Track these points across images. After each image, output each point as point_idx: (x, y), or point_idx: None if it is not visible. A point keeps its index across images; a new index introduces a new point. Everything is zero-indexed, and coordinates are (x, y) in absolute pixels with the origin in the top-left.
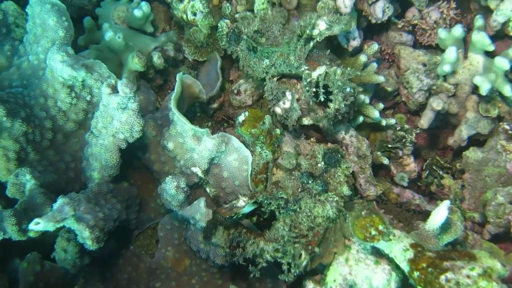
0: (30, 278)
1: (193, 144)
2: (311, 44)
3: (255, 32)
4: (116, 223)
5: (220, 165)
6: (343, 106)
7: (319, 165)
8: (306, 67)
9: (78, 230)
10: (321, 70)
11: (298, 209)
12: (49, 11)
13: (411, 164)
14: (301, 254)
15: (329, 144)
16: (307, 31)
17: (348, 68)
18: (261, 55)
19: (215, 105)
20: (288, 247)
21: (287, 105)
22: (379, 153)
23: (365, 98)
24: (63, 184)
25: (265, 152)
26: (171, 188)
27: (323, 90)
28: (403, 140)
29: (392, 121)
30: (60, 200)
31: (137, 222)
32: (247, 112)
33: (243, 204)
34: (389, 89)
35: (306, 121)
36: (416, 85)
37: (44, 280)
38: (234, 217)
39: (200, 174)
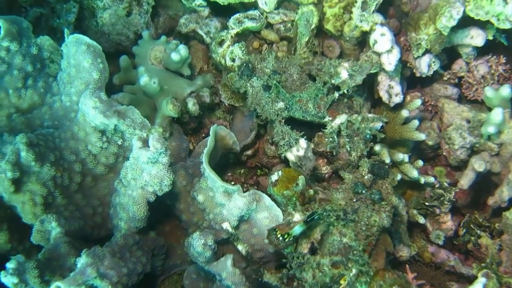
0: None
1: (223, 200)
2: (336, 95)
3: (273, 71)
4: (140, 277)
5: (250, 221)
6: (365, 153)
7: (365, 177)
8: (329, 117)
9: (101, 287)
10: (342, 118)
11: (356, 219)
12: (84, 52)
13: (448, 222)
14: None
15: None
16: (329, 79)
17: (370, 115)
18: (276, 97)
19: (249, 152)
20: (355, 257)
21: (301, 153)
22: (415, 211)
23: (404, 157)
24: (89, 230)
25: (297, 213)
26: (198, 245)
27: (347, 140)
28: (441, 199)
29: (431, 179)
30: (83, 260)
31: (163, 268)
32: (280, 171)
33: (299, 218)
34: (430, 143)
35: (325, 170)
36: (458, 142)
37: None
38: (286, 239)
39: (230, 230)
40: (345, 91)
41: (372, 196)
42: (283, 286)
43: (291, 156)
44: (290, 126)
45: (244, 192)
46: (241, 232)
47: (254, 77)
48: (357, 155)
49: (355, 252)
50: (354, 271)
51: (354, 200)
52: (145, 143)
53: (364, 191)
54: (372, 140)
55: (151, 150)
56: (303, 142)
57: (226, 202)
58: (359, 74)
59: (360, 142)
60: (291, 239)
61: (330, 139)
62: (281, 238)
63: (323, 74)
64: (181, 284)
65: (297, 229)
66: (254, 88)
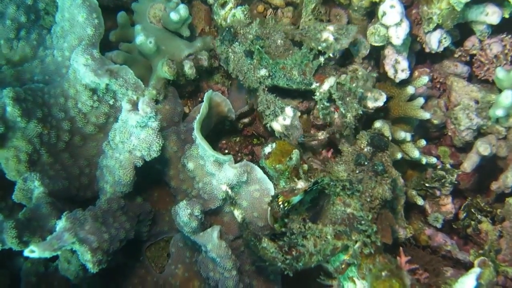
0: (32, 279)
1: (213, 170)
2: (322, 60)
3: (256, 37)
4: (122, 243)
5: (240, 193)
6: (360, 112)
7: (365, 150)
8: (316, 83)
9: (80, 252)
10: (330, 81)
11: (362, 189)
12: (79, 6)
13: (448, 205)
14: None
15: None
16: (314, 44)
17: (359, 73)
18: (258, 63)
19: (245, 120)
20: (363, 226)
21: (287, 122)
22: (414, 192)
23: (406, 135)
24: (74, 191)
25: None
26: (185, 215)
27: (340, 102)
28: (443, 180)
29: (433, 160)
30: (61, 224)
31: (149, 234)
32: (274, 143)
33: (303, 186)
34: (436, 122)
35: (322, 135)
36: (465, 123)
37: (46, 282)
38: (286, 207)
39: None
40: (331, 55)
41: (375, 167)
42: (281, 255)
43: (276, 125)
44: (275, 95)
45: (236, 162)
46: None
47: (236, 43)
48: (353, 116)
49: (362, 222)
50: (358, 244)
51: (357, 172)
52: (135, 105)
53: (366, 163)
54: (374, 115)
55: (141, 113)
56: (289, 110)
57: (216, 171)
58: (345, 37)
59: (353, 102)
60: (289, 207)
61: (322, 105)
62: (281, 206)
63: (308, 39)
64: (167, 251)
65: (296, 198)
66: (236, 54)
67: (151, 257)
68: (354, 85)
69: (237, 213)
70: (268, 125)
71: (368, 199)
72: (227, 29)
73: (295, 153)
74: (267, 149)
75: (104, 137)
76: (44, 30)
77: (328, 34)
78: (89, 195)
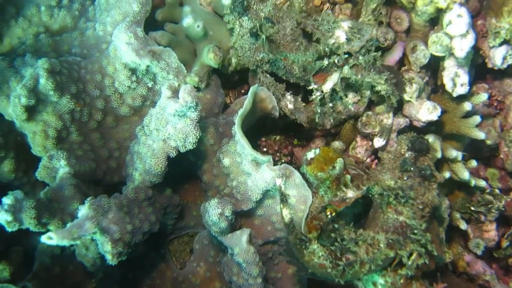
0: (46, 260)
1: (250, 169)
2: (325, 62)
3: (266, 18)
4: (146, 236)
5: (275, 197)
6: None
7: (406, 155)
8: (315, 85)
9: (100, 242)
10: (334, 78)
11: (413, 196)
12: None
13: (492, 232)
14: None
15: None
16: (322, 49)
17: (360, 58)
18: (262, 46)
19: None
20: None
21: (291, 106)
22: (458, 215)
23: (457, 154)
24: (101, 174)
25: (328, 197)
26: (214, 214)
27: (345, 97)
28: (489, 206)
29: (482, 183)
30: (84, 212)
31: (174, 228)
32: (318, 149)
33: (354, 195)
34: (489, 142)
35: (329, 124)
36: None
37: (61, 265)
38: (329, 216)
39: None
40: (336, 61)
41: (423, 172)
42: (329, 261)
43: (287, 107)
44: (273, 79)
45: (274, 162)
46: (263, 207)
47: (245, 17)
48: (383, 88)
49: (415, 231)
50: (414, 255)
51: (405, 178)
52: (176, 93)
53: (412, 168)
54: (425, 128)
55: (180, 102)
56: (289, 96)
57: (253, 172)
58: (357, 40)
59: (380, 77)
60: (334, 215)
61: (318, 108)
62: (329, 215)
63: (320, 33)
64: (190, 246)
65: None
66: (242, 29)
67: (173, 251)
68: (359, 76)
69: (286, 213)
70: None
71: (420, 207)
72: (239, 0)
73: (339, 162)
74: (310, 155)
75: (139, 120)
76: (87, 1)
77: (340, 32)
78: (116, 180)
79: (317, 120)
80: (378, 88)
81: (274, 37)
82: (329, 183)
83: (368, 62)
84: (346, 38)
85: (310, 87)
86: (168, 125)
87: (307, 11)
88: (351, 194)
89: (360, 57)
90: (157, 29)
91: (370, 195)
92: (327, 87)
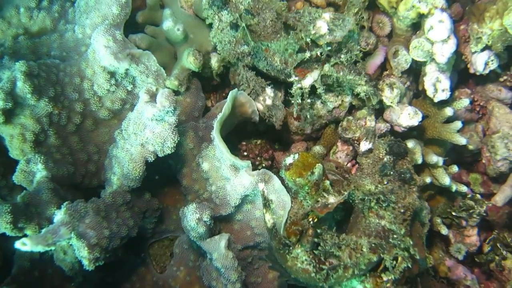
0: (25, 264)
1: (229, 174)
2: (307, 55)
3: (246, 10)
4: (124, 241)
5: (254, 202)
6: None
7: (385, 159)
8: (296, 77)
9: (77, 247)
10: (314, 75)
11: (394, 200)
12: None
13: (473, 237)
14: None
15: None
16: (305, 32)
17: (342, 56)
18: (242, 38)
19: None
20: (395, 241)
21: (269, 102)
22: (439, 220)
23: (438, 160)
24: (79, 178)
25: (307, 203)
26: (192, 219)
27: (324, 94)
28: (471, 211)
29: (464, 188)
30: (59, 217)
31: (154, 232)
32: (297, 154)
33: (336, 200)
34: (471, 147)
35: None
36: (502, 153)
37: (40, 269)
38: (311, 222)
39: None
40: (319, 53)
41: (403, 175)
42: (313, 265)
43: (258, 105)
44: (254, 73)
45: (254, 166)
46: (242, 212)
47: (225, 10)
48: (364, 88)
49: (395, 236)
50: (399, 259)
51: (385, 183)
52: (154, 97)
53: (392, 172)
54: (406, 133)
55: (158, 106)
56: (269, 91)
57: (231, 176)
58: (339, 29)
59: (361, 79)
60: (316, 221)
61: (297, 101)
62: (311, 221)
63: (301, 24)
64: (170, 250)
65: None
66: (221, 23)
67: (153, 255)
68: (341, 74)
69: (268, 217)
70: None
71: (402, 210)
72: None
73: (318, 168)
74: (289, 160)
75: (118, 123)
76: (67, 2)
77: (322, 23)
78: (95, 184)
79: (295, 113)
80: (358, 89)
81: (254, 28)
82: (308, 189)
83: (350, 60)
84: (328, 29)
85: (291, 79)
86: (146, 130)
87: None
88: (332, 199)
89: (342, 56)
90: (138, 32)
91: (351, 200)
92: (306, 82)
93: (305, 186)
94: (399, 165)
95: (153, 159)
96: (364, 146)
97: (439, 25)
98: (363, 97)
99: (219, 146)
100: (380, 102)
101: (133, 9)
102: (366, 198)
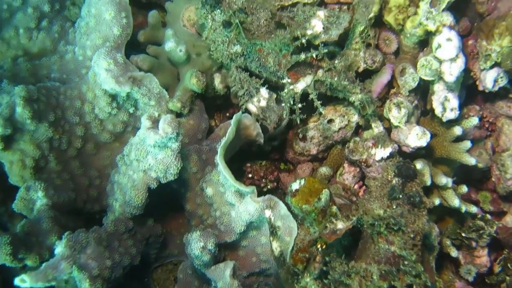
0: None
1: (233, 200)
2: (302, 57)
3: (239, 9)
4: (126, 270)
5: (259, 228)
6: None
7: (393, 181)
8: (288, 79)
9: (78, 279)
10: (307, 80)
11: (404, 225)
12: (107, 3)
13: (483, 258)
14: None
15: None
16: (300, 34)
17: (336, 61)
18: (235, 38)
19: (275, 143)
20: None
21: (263, 103)
22: (448, 241)
23: (447, 181)
24: (81, 204)
25: (314, 229)
26: (197, 248)
27: (319, 102)
28: (481, 232)
29: (473, 209)
30: (60, 250)
31: (158, 256)
32: (303, 180)
33: (344, 226)
34: (480, 165)
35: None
36: None
37: None
38: (319, 249)
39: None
40: (314, 55)
41: (412, 199)
42: None
43: (252, 107)
44: (248, 74)
45: (259, 188)
46: (247, 239)
47: (218, 10)
48: (358, 98)
49: (406, 262)
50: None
51: (394, 207)
52: (156, 123)
53: (401, 196)
54: (414, 152)
55: (160, 133)
56: (264, 92)
57: (236, 203)
58: (335, 28)
59: (355, 87)
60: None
61: (288, 104)
62: (320, 248)
63: (295, 24)
64: (174, 274)
65: None
66: (214, 23)
67: (157, 280)
68: (335, 79)
69: (276, 245)
70: (243, 107)
71: (412, 235)
72: None
73: (325, 194)
74: (295, 186)
75: (120, 147)
76: (67, 23)
77: (317, 21)
78: (96, 209)
79: (284, 116)
80: (353, 98)
81: (248, 27)
82: (314, 215)
83: (344, 67)
84: (323, 27)
85: (283, 81)
86: (148, 156)
87: None
88: (341, 225)
89: (336, 61)
90: (139, 51)
91: (359, 226)
92: (299, 86)
93: (312, 213)
94: (408, 188)
95: (156, 186)
96: (380, 153)
97: (447, 44)
98: (358, 106)
99: (223, 172)
100: (388, 120)
101: (134, 26)
102: (376, 223)
